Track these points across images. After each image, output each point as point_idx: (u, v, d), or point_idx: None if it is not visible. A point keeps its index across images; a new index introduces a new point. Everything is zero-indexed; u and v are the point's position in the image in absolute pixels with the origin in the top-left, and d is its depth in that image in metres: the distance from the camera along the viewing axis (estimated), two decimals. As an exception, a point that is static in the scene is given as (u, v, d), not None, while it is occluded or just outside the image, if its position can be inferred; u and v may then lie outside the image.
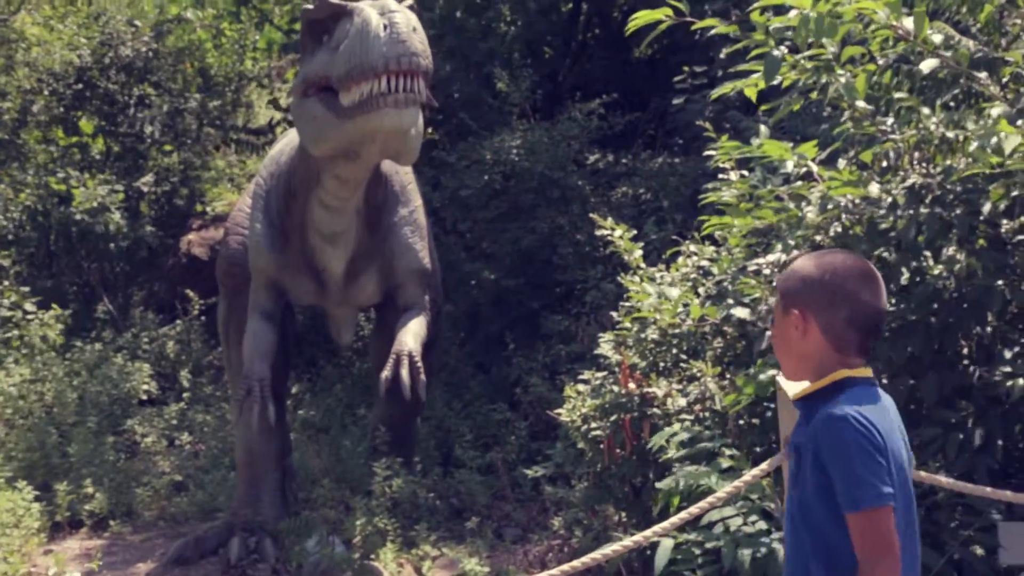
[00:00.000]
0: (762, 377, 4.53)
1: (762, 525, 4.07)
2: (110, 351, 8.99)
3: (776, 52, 4.35)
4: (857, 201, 4.45)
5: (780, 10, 4.47)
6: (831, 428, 2.42)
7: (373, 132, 5.26)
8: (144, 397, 8.65)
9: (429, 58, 5.13)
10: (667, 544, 4.14)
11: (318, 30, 5.45)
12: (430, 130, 9.79)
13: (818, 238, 4.63)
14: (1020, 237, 4.15)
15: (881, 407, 2.51)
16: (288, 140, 6.50)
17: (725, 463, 4.42)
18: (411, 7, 5.45)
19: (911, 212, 4.23)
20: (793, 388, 3.28)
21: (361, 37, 5.05)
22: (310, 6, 5.49)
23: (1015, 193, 4.07)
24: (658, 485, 4.54)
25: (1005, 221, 4.24)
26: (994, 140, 3.82)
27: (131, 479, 7.42)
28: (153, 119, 10.44)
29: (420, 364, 5.92)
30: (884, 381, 4.46)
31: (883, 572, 2.40)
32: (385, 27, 5.00)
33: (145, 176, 10.50)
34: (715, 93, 4.82)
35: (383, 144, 5.37)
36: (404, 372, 5.82)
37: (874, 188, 4.47)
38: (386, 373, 5.84)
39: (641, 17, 4.60)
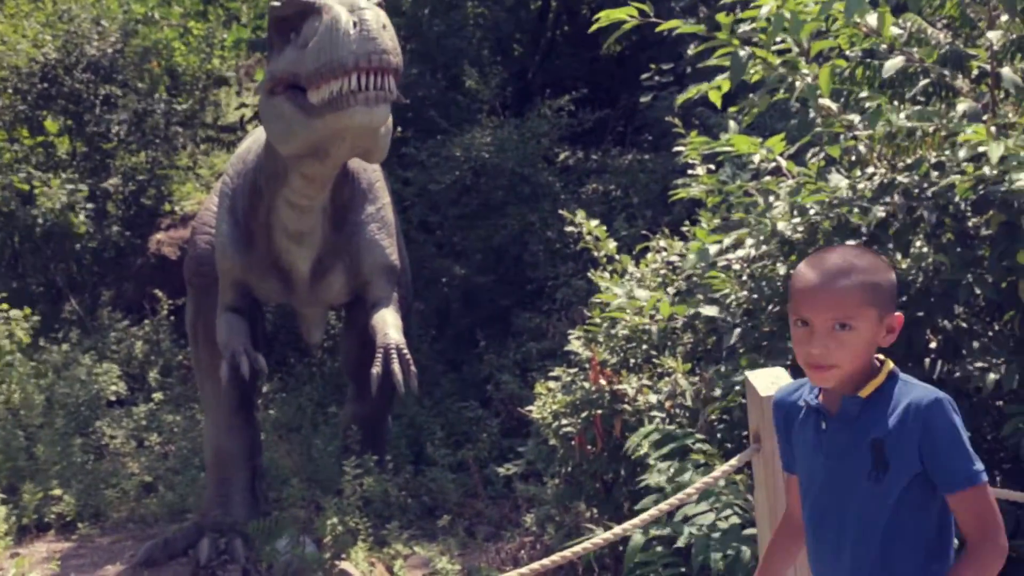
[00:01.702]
0: (734, 376, 4.53)
1: (735, 520, 4.07)
2: (78, 352, 8.92)
3: (742, 52, 4.35)
4: (827, 201, 4.46)
5: (746, 5, 4.48)
6: (936, 411, 2.40)
7: (343, 130, 5.21)
8: (112, 398, 8.58)
9: (399, 55, 5.09)
10: (637, 540, 4.14)
11: (285, 27, 5.39)
12: (399, 129, 9.76)
13: (787, 233, 4.64)
14: (987, 232, 4.17)
15: None
16: (255, 138, 6.45)
17: (698, 459, 4.42)
18: (380, 4, 5.41)
19: (879, 207, 4.24)
20: (765, 386, 3.28)
21: (330, 34, 4.99)
22: (277, 3, 5.43)
23: (981, 188, 4.09)
24: (644, 483, 4.53)
25: (972, 215, 4.26)
26: (965, 145, 3.84)
27: (99, 481, 7.35)
28: (120, 119, 10.35)
29: (409, 356, 5.89)
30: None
31: (1002, 546, 2.42)
32: (355, 24, 4.95)
33: (112, 176, 10.41)
34: (680, 98, 4.81)
35: (353, 142, 5.32)
36: (396, 367, 5.79)
37: (843, 184, 4.48)
38: (376, 369, 5.80)
39: (605, 17, 4.60)
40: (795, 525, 2.73)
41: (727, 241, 4.68)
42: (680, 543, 4.09)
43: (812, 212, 4.46)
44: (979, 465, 2.39)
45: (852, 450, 2.48)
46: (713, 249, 4.76)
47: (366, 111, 5.02)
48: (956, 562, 2.46)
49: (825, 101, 4.49)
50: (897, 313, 2.49)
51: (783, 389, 2.74)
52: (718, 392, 4.65)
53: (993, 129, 4.10)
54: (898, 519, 2.45)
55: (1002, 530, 2.42)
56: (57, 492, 7.02)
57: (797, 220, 4.52)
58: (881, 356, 2.53)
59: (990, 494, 2.42)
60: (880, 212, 4.18)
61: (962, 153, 3.99)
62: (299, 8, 5.25)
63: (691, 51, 4.61)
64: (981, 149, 3.84)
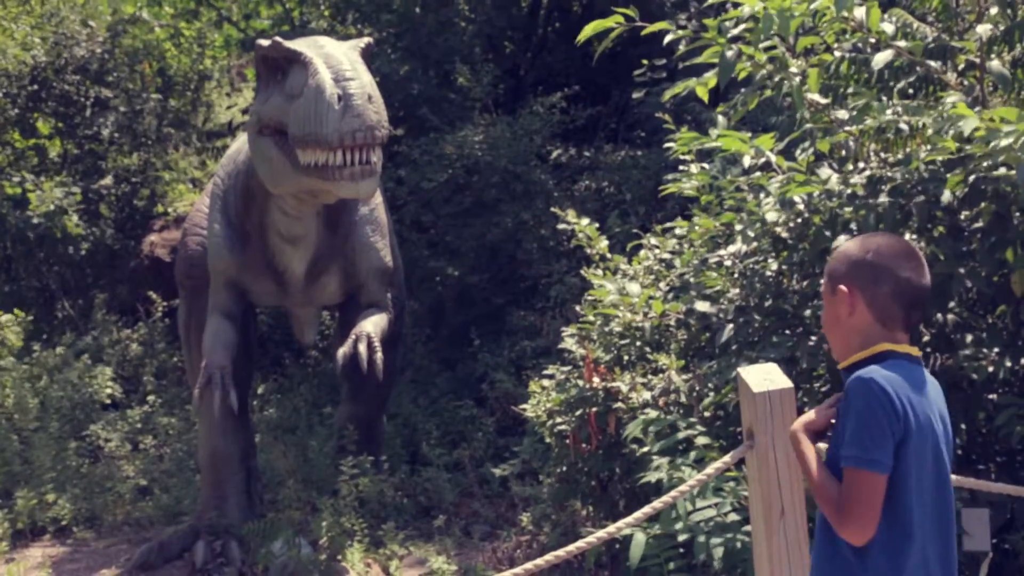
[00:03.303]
0: (730, 375, 4.52)
1: (735, 516, 4.07)
2: (71, 355, 8.88)
3: (729, 52, 4.35)
4: (816, 193, 4.46)
5: (735, 4, 4.47)
6: (855, 388, 2.55)
7: (329, 193, 5.32)
8: (107, 401, 8.54)
9: (385, 126, 5.07)
10: (640, 538, 4.13)
11: (272, 65, 5.39)
12: (391, 128, 9.74)
13: (778, 229, 4.63)
14: (978, 224, 4.16)
15: (915, 382, 2.60)
16: (246, 139, 6.43)
17: (697, 454, 4.41)
18: (368, 47, 5.40)
19: (870, 202, 4.24)
20: (758, 382, 3.27)
21: (316, 105, 4.95)
22: (264, 41, 5.42)
23: (972, 179, 4.08)
24: (642, 480, 4.52)
25: (963, 208, 4.26)
26: (951, 126, 3.83)
27: (94, 484, 7.33)
28: (111, 120, 10.32)
29: (377, 345, 5.88)
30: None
31: (845, 533, 2.56)
32: (339, 98, 4.92)
33: (104, 178, 10.38)
34: (667, 94, 4.80)
35: (340, 197, 5.41)
36: (362, 347, 5.79)
37: (833, 178, 4.48)
38: (343, 349, 5.81)
39: (592, 26, 4.59)
40: None
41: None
42: (680, 538, 4.09)
43: (801, 206, 4.46)
44: (857, 451, 2.52)
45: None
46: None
47: (352, 186, 5.06)
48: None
49: (814, 96, 4.48)
50: (840, 286, 2.68)
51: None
52: (711, 387, 4.64)
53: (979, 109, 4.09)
54: None
55: (848, 520, 2.53)
56: (51, 496, 6.99)
57: (787, 216, 4.51)
58: (887, 343, 2.66)
59: (861, 483, 2.52)
60: (869, 203, 4.17)
61: (932, 121, 3.99)
62: (285, 54, 5.24)
63: (682, 47, 4.58)
64: (961, 124, 3.83)
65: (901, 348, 2.65)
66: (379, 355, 5.84)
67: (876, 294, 2.64)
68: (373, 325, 6.07)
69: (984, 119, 3.78)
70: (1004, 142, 3.67)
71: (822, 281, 2.72)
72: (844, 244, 2.78)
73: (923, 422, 2.57)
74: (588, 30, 4.59)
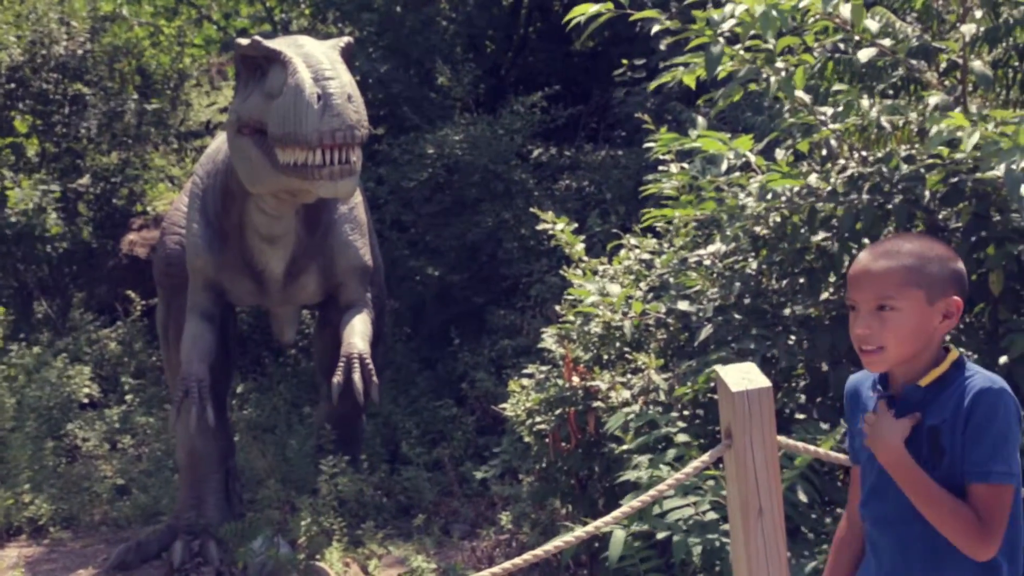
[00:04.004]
0: (707, 369, 4.53)
1: (713, 515, 4.07)
2: (49, 354, 8.83)
3: (715, 48, 4.35)
4: (797, 190, 4.47)
5: (718, 2, 4.47)
6: (989, 400, 2.38)
7: (308, 192, 5.32)
8: (85, 400, 8.50)
9: (365, 125, 5.07)
10: (619, 536, 4.12)
11: (252, 64, 5.37)
12: (372, 127, 9.73)
13: (758, 228, 4.64)
14: (957, 224, 4.18)
15: None
16: (225, 138, 6.40)
17: (676, 452, 4.41)
18: (348, 46, 5.38)
19: (850, 200, 4.25)
20: (736, 381, 3.26)
21: (295, 104, 4.95)
22: (243, 40, 5.40)
23: (954, 179, 4.10)
24: (620, 479, 4.51)
25: (942, 207, 4.27)
26: (939, 130, 3.82)
27: (71, 484, 7.29)
28: (90, 119, 10.27)
29: (371, 366, 5.87)
30: (825, 368, 4.49)
31: (981, 552, 2.38)
32: (319, 97, 4.91)
33: (82, 177, 10.33)
34: (654, 83, 4.81)
35: (319, 196, 5.40)
36: (356, 376, 5.77)
37: (812, 177, 4.49)
38: (337, 378, 5.77)
39: (579, 10, 4.58)
40: (855, 519, 2.70)
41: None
42: (659, 537, 4.09)
43: (783, 202, 4.46)
44: (1004, 466, 2.35)
45: (909, 437, 2.46)
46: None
47: (331, 185, 5.06)
48: None
49: (799, 94, 4.49)
50: (955, 297, 2.46)
51: (855, 377, 2.72)
52: (690, 387, 4.64)
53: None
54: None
55: (991, 539, 2.37)
56: (28, 496, 6.95)
57: (766, 206, 4.51)
58: (950, 346, 2.52)
59: (1004, 500, 2.36)
60: (850, 201, 4.17)
61: (934, 132, 3.98)
62: (264, 53, 5.22)
63: (664, 44, 4.60)
64: (957, 135, 3.83)
65: (960, 352, 2.53)
66: (375, 379, 5.85)
67: (963, 301, 2.49)
68: (361, 337, 6.04)
69: (981, 127, 3.77)
70: (1002, 145, 3.66)
71: (897, 286, 2.43)
72: (930, 248, 2.51)
73: None
74: (576, 12, 4.58)
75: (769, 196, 4.48)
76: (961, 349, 2.58)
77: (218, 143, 6.52)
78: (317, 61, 5.03)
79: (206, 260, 6.18)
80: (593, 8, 4.56)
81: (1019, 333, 3.96)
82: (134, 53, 10.96)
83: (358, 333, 6.08)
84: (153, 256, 8.16)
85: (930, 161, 4.12)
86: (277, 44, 5.23)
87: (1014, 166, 3.56)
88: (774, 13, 4.14)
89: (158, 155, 11.34)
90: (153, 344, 9.38)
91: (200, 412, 5.78)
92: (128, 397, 8.69)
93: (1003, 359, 4.05)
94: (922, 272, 2.46)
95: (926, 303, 2.46)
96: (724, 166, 4.84)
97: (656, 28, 4.65)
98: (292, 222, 6.02)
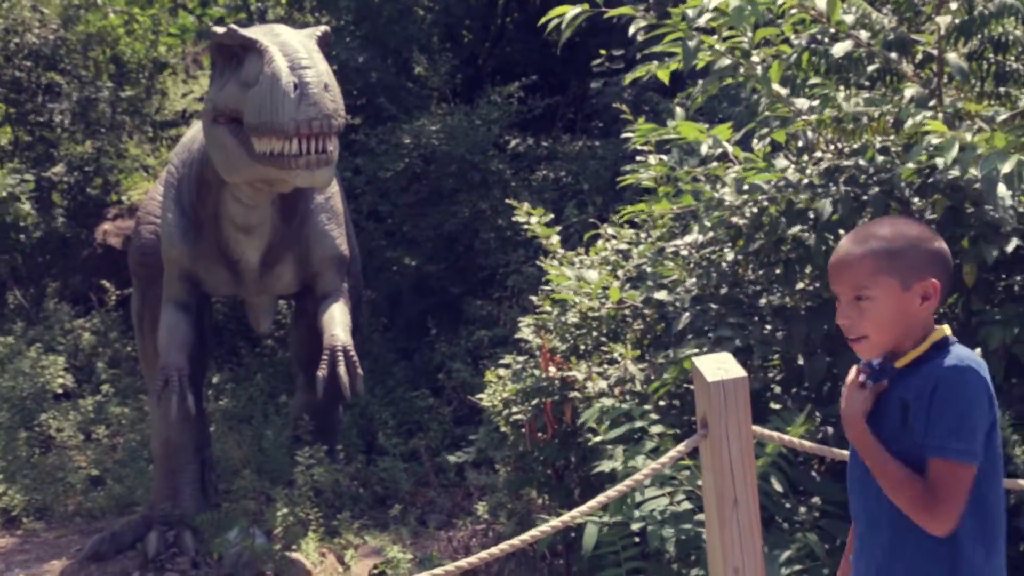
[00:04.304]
0: (683, 359, 4.54)
1: (688, 505, 4.08)
2: (22, 344, 8.78)
3: (691, 42, 4.36)
4: (774, 183, 4.48)
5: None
6: (953, 378, 2.41)
7: (284, 181, 5.31)
8: (59, 391, 8.44)
9: (342, 115, 5.06)
10: (592, 530, 4.13)
11: (227, 52, 5.34)
12: (349, 116, 9.70)
13: (735, 219, 4.65)
14: (931, 216, 4.20)
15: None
16: (200, 127, 6.36)
17: (651, 443, 4.42)
18: (325, 35, 5.37)
19: (831, 188, 4.26)
20: (712, 371, 3.27)
21: (271, 93, 4.93)
22: (219, 29, 5.38)
23: (928, 173, 4.12)
24: (596, 469, 4.52)
25: (917, 199, 4.29)
26: (925, 143, 3.84)
27: (45, 475, 7.25)
28: (64, 107, 10.19)
29: (356, 358, 5.87)
30: (800, 360, 4.51)
31: (932, 525, 2.41)
32: (295, 86, 4.90)
33: (56, 165, 10.25)
34: (628, 77, 4.81)
35: (295, 185, 5.39)
36: (341, 369, 5.77)
37: (789, 169, 4.50)
38: (322, 372, 5.77)
39: (557, 11, 4.58)
40: None
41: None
42: (634, 527, 4.10)
43: (761, 196, 4.47)
44: (962, 444, 2.37)
45: (884, 409, 2.51)
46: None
47: (308, 174, 5.05)
48: None
49: (775, 86, 4.50)
50: (932, 280, 2.48)
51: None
52: (667, 377, 4.65)
53: (940, 116, 4.12)
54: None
55: (942, 514, 2.39)
56: (1, 487, 6.90)
57: (743, 199, 4.52)
58: (939, 327, 2.53)
59: (959, 476, 2.38)
60: (827, 203, 4.18)
61: (910, 132, 4.00)
62: (240, 42, 5.20)
63: (641, 36, 4.58)
64: (936, 141, 3.84)
65: (948, 331, 2.53)
66: (360, 371, 5.85)
67: (946, 282, 2.51)
68: (343, 328, 6.03)
69: (959, 136, 3.78)
70: (981, 151, 3.67)
71: (869, 276, 2.46)
72: (902, 231, 2.53)
73: (994, 406, 2.47)
74: (553, 14, 4.58)
75: (746, 188, 4.48)
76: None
77: (193, 132, 6.48)
78: (294, 50, 5.01)
79: (181, 250, 6.15)
80: (571, 12, 4.56)
81: (995, 325, 3.98)
82: (108, 41, 10.87)
83: (339, 324, 6.07)
84: (128, 246, 8.12)
85: (911, 161, 4.13)
86: (253, 33, 5.21)
87: (994, 174, 3.59)
88: (748, 9, 4.15)
89: (133, 144, 11.26)
90: (128, 334, 9.32)
91: (181, 401, 5.76)
92: (103, 387, 8.64)
93: (977, 351, 4.06)
94: (894, 259, 2.48)
95: (901, 289, 2.48)
96: (704, 150, 4.85)
97: (633, 29, 4.65)
98: (268, 211, 5.99)
